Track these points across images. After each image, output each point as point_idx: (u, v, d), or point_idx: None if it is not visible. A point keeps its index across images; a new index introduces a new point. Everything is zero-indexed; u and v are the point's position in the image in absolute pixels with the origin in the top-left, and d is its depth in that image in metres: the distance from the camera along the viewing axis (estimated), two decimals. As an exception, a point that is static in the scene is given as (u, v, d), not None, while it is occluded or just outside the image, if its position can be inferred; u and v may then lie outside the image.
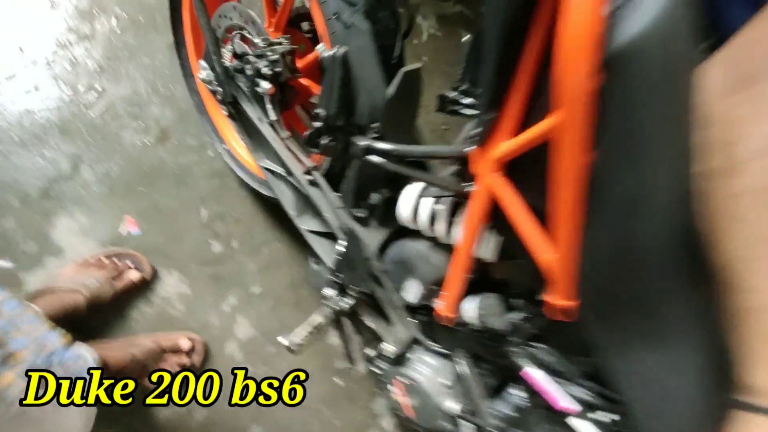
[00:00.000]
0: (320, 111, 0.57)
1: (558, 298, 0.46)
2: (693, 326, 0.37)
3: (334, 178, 0.76)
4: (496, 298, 0.60)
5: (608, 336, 0.43)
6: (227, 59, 0.78)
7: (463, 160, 0.51)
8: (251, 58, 0.72)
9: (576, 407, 0.53)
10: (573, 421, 0.54)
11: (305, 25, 0.90)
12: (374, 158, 0.57)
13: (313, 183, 0.74)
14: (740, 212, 0.30)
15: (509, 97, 0.40)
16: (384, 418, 1.19)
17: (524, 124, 0.41)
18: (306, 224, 0.81)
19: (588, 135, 0.34)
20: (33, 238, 1.00)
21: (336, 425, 1.11)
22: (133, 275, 0.95)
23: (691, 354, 0.38)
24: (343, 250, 0.67)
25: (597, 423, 0.52)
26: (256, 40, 0.71)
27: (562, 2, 0.32)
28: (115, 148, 1.07)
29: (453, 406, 0.69)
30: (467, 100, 0.65)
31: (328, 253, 0.81)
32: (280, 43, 0.74)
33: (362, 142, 0.57)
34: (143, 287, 1.01)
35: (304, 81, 0.80)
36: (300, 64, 0.80)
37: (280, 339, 0.62)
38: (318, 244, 0.82)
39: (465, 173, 0.54)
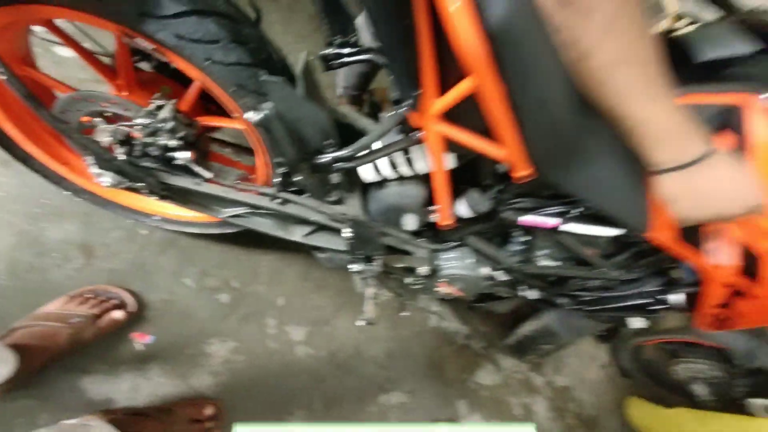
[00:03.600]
0: (281, 160, 0.62)
1: (520, 171, 0.64)
2: (608, 142, 0.57)
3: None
4: (474, 191, 0.79)
5: (564, 173, 0.64)
6: (117, 152, 0.74)
7: (404, 124, 0.63)
8: (147, 140, 0.70)
9: (558, 220, 0.78)
10: (561, 228, 0.79)
11: (145, 66, 0.83)
12: (340, 165, 0.66)
13: (284, 202, 0.81)
14: (593, 76, 0.46)
15: (423, 75, 0.51)
16: (431, 306, 1.50)
17: (444, 86, 0.52)
18: (297, 234, 0.91)
19: (498, 80, 0.47)
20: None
21: (406, 329, 1.40)
22: (117, 315, 0.97)
23: (615, 158, 0.59)
24: (351, 234, 0.80)
25: (573, 218, 0.78)
26: (140, 121, 0.68)
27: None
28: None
29: (485, 270, 0.94)
30: (348, 50, 0.73)
31: (329, 240, 0.94)
32: (160, 107, 0.71)
33: (326, 159, 0.65)
34: (128, 324, 1.02)
35: (203, 121, 0.79)
36: (186, 107, 0.78)
37: (358, 322, 0.80)
38: (316, 240, 0.94)
39: (408, 129, 0.66)
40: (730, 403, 1.52)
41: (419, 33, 0.47)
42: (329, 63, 0.75)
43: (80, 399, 0.95)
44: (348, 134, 0.80)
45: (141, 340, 1.06)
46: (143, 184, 0.75)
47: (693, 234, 0.69)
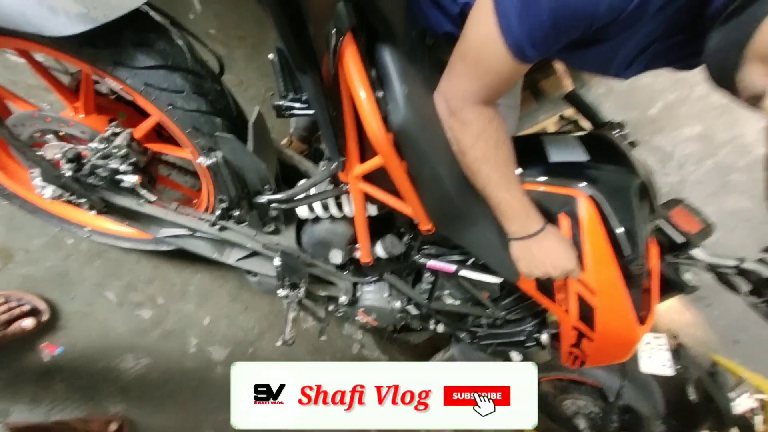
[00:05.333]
0: (223, 198, 0.73)
1: (423, 226, 0.82)
2: (485, 212, 0.76)
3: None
4: (391, 236, 0.95)
5: (455, 231, 0.82)
6: (64, 168, 0.80)
7: (334, 177, 0.78)
8: (98, 162, 0.78)
9: (455, 266, 0.97)
10: (460, 273, 0.98)
11: (103, 88, 0.91)
12: (276, 205, 0.79)
13: (223, 228, 0.91)
14: (469, 167, 0.66)
15: (348, 147, 0.67)
16: (356, 334, 1.62)
17: (364, 155, 0.69)
18: (232, 258, 1.00)
19: (400, 160, 0.64)
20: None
21: (328, 354, 1.49)
22: (27, 323, 0.95)
23: (492, 224, 0.79)
24: (280, 263, 0.91)
25: (468, 266, 0.97)
26: (95, 145, 0.76)
27: (356, 105, 0.58)
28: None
29: (397, 304, 1.10)
30: (299, 105, 0.87)
31: (262, 266, 1.04)
32: (115, 134, 0.80)
33: (263, 199, 0.78)
34: (38, 333, 1.01)
35: (154, 147, 0.88)
36: (140, 135, 0.87)
37: (278, 343, 0.89)
38: (249, 265, 1.03)
39: (338, 181, 0.81)
40: (605, 436, 1.79)
41: (345, 118, 0.63)
42: (282, 112, 0.89)
43: (-28, 409, 0.91)
44: (292, 174, 0.94)
45: (49, 351, 1.04)
46: (85, 200, 0.81)
47: (550, 286, 0.90)
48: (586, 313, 0.89)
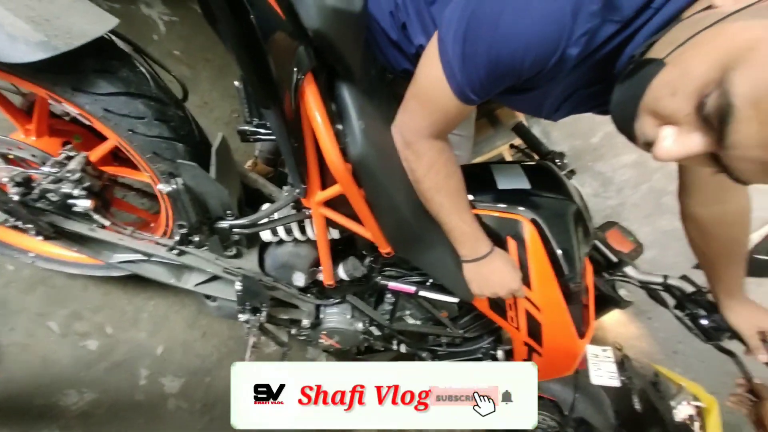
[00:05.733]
0: (183, 223, 0.74)
1: (383, 249, 0.87)
2: (440, 237, 0.82)
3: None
4: (353, 259, 0.99)
5: (412, 253, 0.87)
6: (11, 192, 0.77)
7: (297, 202, 0.81)
8: (49, 186, 0.76)
9: (415, 287, 1.02)
10: (420, 293, 1.02)
11: (57, 110, 0.90)
12: (238, 230, 0.81)
13: (181, 253, 0.91)
14: (423, 195, 0.72)
15: (309, 175, 0.71)
16: (320, 358, 1.61)
17: (325, 183, 0.73)
18: (190, 283, 0.99)
19: (358, 187, 0.69)
20: None
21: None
22: None
23: (446, 247, 0.84)
24: (241, 287, 0.92)
25: (427, 287, 1.02)
26: (47, 169, 0.75)
27: (317, 138, 0.62)
28: None
29: (360, 326, 1.12)
30: (264, 130, 0.91)
31: (222, 290, 1.04)
32: (69, 158, 0.79)
33: (225, 225, 0.79)
34: None
35: (110, 171, 0.87)
36: (96, 158, 0.86)
37: (237, 368, 0.89)
38: (209, 289, 1.03)
39: (300, 206, 0.84)
40: (563, 450, 1.87)
41: (306, 149, 0.67)
42: (246, 137, 0.91)
43: None
44: (257, 196, 0.96)
45: (-20, 389, 0.97)
46: (32, 225, 0.78)
47: (502, 304, 0.97)
48: (534, 330, 0.96)
